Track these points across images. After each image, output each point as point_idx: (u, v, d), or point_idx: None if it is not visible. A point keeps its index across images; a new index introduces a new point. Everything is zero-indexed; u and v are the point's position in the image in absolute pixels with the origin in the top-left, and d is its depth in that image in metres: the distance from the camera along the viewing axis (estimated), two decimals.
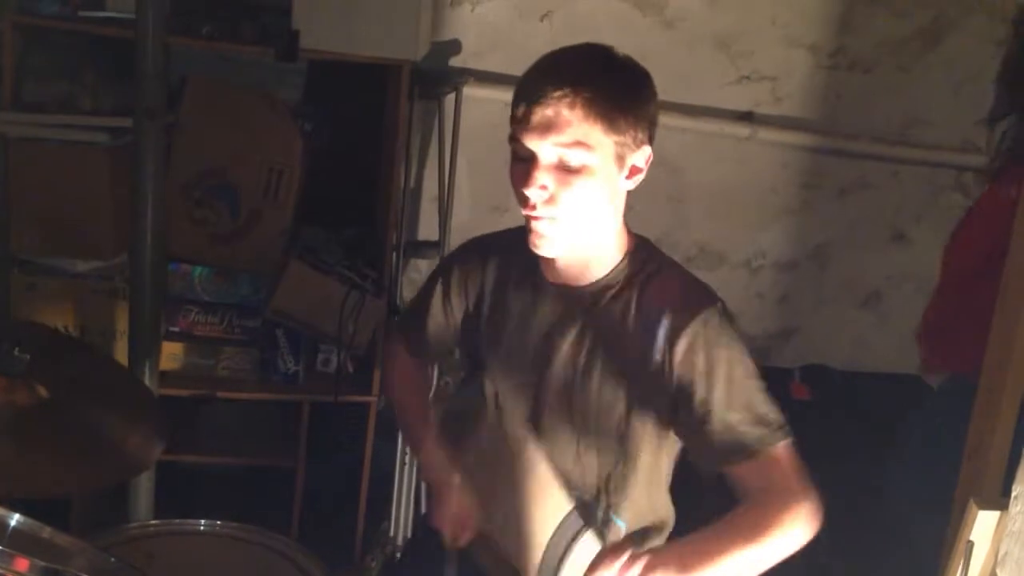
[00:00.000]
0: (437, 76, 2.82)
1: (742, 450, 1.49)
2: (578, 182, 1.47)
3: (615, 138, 1.47)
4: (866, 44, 3.11)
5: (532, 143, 1.47)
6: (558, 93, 1.43)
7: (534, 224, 1.50)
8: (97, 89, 2.56)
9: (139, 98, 2.05)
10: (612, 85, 1.47)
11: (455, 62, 2.96)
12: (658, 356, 1.52)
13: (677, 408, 1.54)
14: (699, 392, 1.50)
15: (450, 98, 2.85)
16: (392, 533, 2.75)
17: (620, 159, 1.49)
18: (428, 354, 1.85)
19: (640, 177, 1.53)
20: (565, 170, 1.47)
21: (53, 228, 2.51)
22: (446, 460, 1.67)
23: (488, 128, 2.85)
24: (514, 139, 1.50)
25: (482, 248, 1.75)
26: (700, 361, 1.50)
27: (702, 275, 1.65)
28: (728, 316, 1.55)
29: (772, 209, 3.25)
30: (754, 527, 1.44)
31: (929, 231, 3.18)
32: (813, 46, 3.10)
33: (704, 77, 3.08)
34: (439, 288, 1.76)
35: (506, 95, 3.04)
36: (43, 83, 2.52)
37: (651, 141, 1.53)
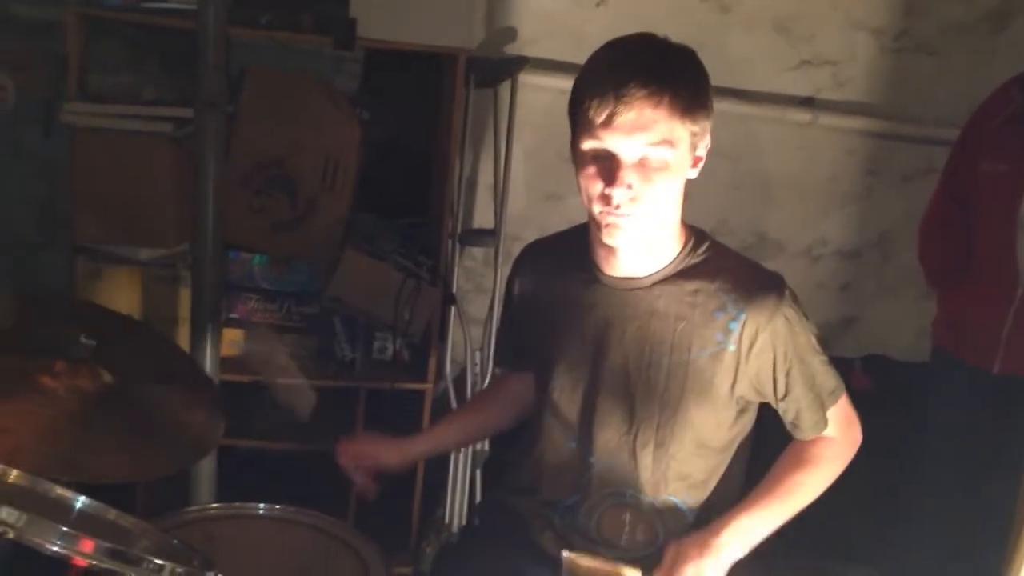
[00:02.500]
0: (493, 64, 2.81)
1: (807, 428, 1.63)
2: (660, 179, 1.47)
3: (692, 129, 1.48)
4: (931, 27, 3.03)
5: (615, 143, 1.45)
6: (643, 92, 1.42)
7: (613, 220, 1.50)
8: (160, 80, 2.60)
9: (200, 89, 2.08)
10: (688, 77, 1.48)
11: (511, 50, 2.95)
12: (732, 346, 1.54)
13: (746, 393, 1.59)
14: (778, 384, 1.58)
15: (506, 85, 2.85)
16: (447, 520, 2.77)
17: (693, 149, 1.51)
18: (517, 364, 1.85)
19: (701, 165, 1.54)
20: (647, 167, 1.47)
21: (117, 217, 2.56)
22: (413, 441, 1.93)
23: (544, 116, 2.83)
24: (591, 138, 1.47)
25: (536, 251, 1.78)
26: (779, 355, 1.56)
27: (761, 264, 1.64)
28: (794, 297, 1.58)
29: (834, 196, 3.19)
30: (797, 462, 1.61)
31: None
32: (876, 29, 3.04)
33: (763, 62, 3.03)
34: (507, 300, 1.80)
35: (562, 82, 3.01)
36: (107, 74, 2.57)
37: None
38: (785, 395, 1.59)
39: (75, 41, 2.47)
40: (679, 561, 1.50)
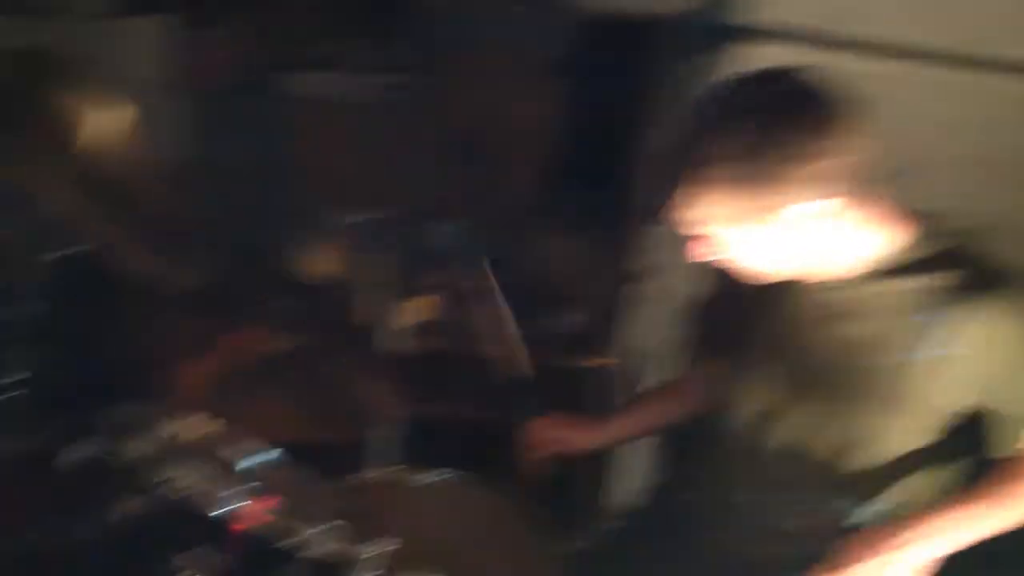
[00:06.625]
0: (703, 32, 2.70)
1: (999, 442, 1.46)
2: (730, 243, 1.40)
3: (753, 198, 1.33)
4: None
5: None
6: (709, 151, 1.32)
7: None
8: (366, 50, 2.66)
9: (401, 57, 2.10)
10: (755, 146, 1.30)
11: (725, 17, 2.81)
12: (943, 350, 1.41)
13: (957, 402, 1.46)
14: (989, 390, 1.44)
15: (718, 55, 2.72)
16: (618, 501, 2.74)
17: (768, 210, 1.34)
18: (707, 354, 1.79)
19: (838, 197, 1.35)
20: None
21: (321, 183, 2.65)
22: (593, 426, 1.87)
23: None
24: None
25: None
26: (996, 360, 1.41)
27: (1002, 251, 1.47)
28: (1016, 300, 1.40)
29: None
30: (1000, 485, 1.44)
31: None
32: None
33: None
34: (699, 289, 1.76)
35: (782, 53, 2.84)
36: (317, 44, 2.65)
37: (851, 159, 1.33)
38: (991, 401, 1.44)
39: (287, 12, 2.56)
40: (859, 554, 1.39)
